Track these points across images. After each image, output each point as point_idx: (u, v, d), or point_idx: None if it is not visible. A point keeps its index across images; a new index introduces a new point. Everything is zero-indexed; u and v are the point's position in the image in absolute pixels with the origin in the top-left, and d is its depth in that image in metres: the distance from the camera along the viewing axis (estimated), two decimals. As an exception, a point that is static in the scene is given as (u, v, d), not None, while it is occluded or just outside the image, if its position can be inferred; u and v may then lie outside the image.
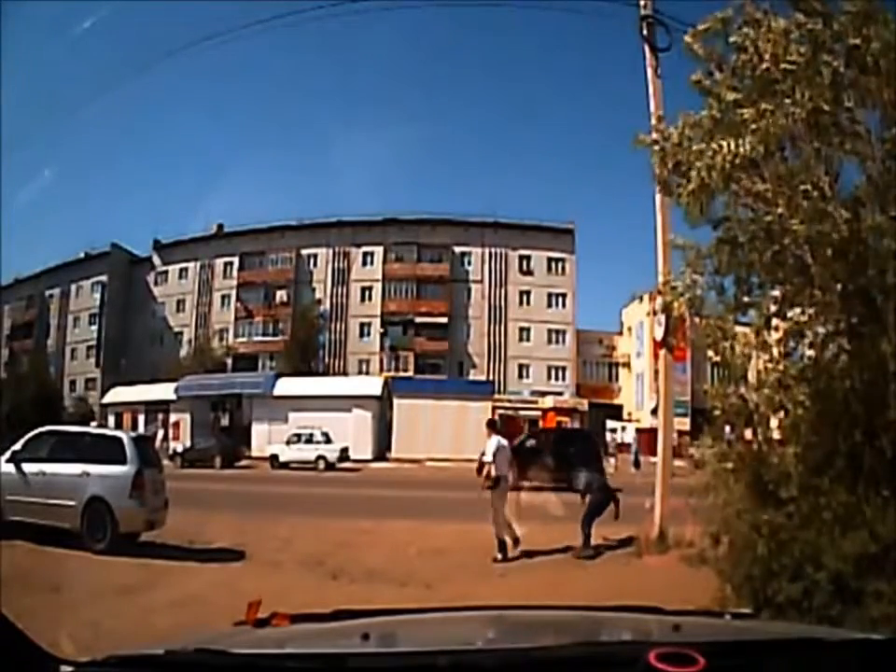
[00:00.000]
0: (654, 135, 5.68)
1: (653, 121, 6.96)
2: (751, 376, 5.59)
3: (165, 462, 15.25)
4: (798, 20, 4.85)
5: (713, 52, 5.40)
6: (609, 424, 36.95)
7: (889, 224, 4.71)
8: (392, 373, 41.17)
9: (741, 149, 4.77)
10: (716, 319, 5.66)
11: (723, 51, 5.37)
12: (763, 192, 5.04)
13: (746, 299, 5.65)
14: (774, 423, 5.49)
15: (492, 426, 10.07)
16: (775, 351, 5.55)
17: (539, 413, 37.59)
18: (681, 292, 5.70)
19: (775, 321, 5.55)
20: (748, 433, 5.55)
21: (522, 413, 37.52)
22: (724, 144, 4.83)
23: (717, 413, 5.55)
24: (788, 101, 4.73)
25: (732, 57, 5.26)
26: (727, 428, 5.85)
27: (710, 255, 5.58)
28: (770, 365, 5.42)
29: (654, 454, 11.20)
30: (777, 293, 5.54)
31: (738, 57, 5.12)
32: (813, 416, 5.05)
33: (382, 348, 45.47)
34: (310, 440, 26.54)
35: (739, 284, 5.60)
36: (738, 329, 5.68)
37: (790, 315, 5.44)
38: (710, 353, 5.98)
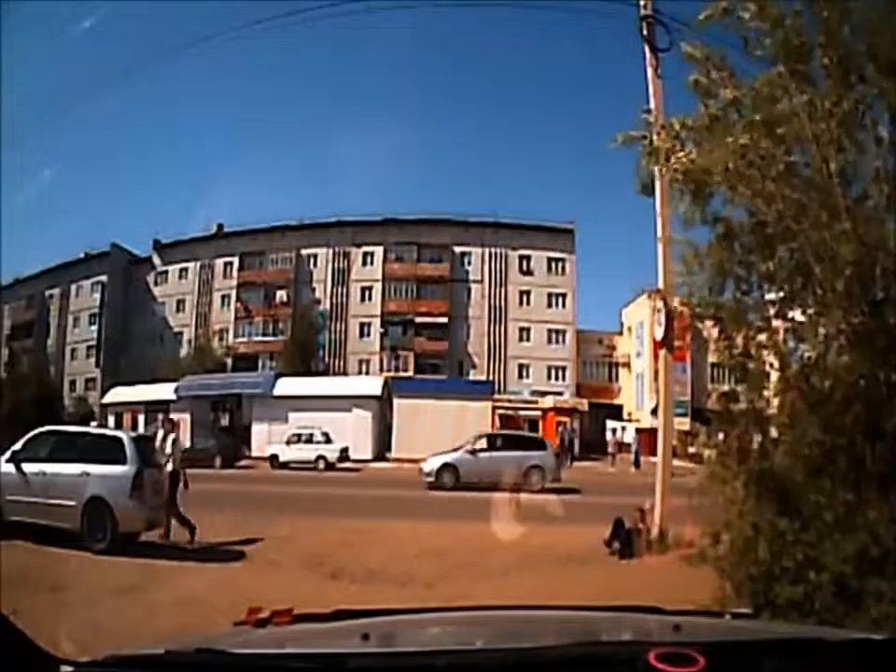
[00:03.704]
0: (646, 133, 5.66)
1: (655, 125, 6.91)
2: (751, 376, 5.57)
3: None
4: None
5: (711, 54, 5.36)
6: (610, 424, 36.89)
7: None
8: (392, 373, 41.09)
9: (753, 142, 4.70)
10: (726, 315, 5.58)
11: (721, 50, 5.33)
12: (761, 191, 5.00)
13: (746, 299, 5.62)
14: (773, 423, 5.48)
15: (170, 422, 11.37)
16: (774, 351, 5.53)
17: (538, 412, 37.50)
18: (682, 291, 5.69)
19: (775, 321, 5.53)
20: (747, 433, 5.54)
21: (522, 412, 37.45)
22: (734, 139, 4.79)
23: (717, 412, 5.54)
24: (805, 97, 4.69)
25: (730, 55, 5.22)
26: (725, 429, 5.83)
27: (708, 253, 5.55)
28: (770, 365, 5.40)
29: (654, 454, 11.21)
30: (776, 293, 5.52)
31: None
32: (813, 416, 5.03)
33: (382, 348, 45.41)
34: (310, 440, 26.51)
35: (738, 283, 5.57)
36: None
37: (790, 314, 5.43)
38: (711, 353, 5.95)
